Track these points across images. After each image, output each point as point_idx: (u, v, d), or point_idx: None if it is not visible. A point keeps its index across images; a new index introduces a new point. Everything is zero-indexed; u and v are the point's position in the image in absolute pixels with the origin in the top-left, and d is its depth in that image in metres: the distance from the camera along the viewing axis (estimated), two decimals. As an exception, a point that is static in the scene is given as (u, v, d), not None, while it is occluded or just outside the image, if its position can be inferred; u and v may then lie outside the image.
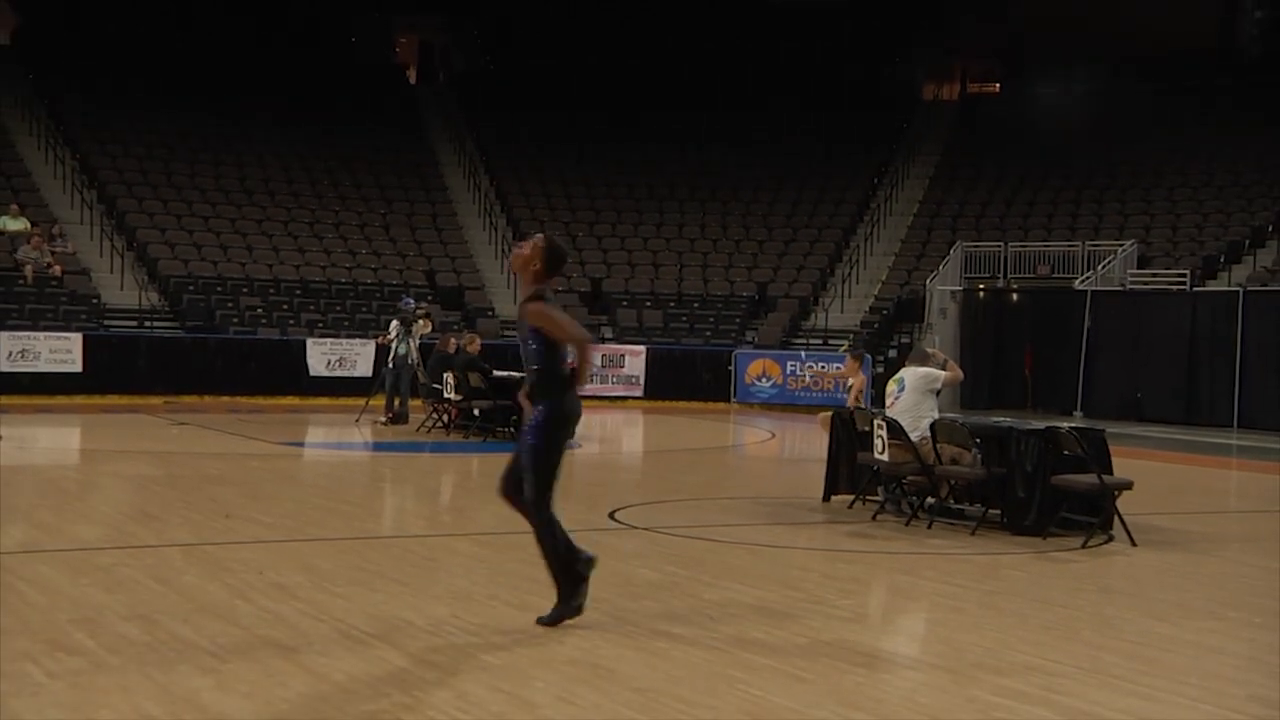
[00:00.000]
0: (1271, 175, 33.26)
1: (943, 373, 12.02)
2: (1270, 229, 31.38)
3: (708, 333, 31.73)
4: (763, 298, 33.37)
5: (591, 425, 22.02)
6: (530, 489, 7.27)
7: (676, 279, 33.88)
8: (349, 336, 27.49)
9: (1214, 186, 33.91)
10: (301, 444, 19.24)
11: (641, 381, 29.43)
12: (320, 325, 28.46)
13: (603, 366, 29.24)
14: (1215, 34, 41.52)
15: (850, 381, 13.84)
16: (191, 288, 29.01)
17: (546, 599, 7.89)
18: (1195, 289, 28.39)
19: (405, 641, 6.72)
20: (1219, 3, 41.94)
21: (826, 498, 12.70)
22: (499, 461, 17.01)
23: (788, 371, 28.73)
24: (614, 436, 22.56)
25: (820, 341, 31.09)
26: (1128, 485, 11.06)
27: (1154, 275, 29.62)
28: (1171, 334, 27.17)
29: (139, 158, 33.48)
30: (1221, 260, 30.61)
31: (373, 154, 35.94)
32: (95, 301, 27.57)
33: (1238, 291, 27.24)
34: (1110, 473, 11.18)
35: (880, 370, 25.75)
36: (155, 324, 27.82)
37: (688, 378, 29.64)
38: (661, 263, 34.45)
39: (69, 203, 31.02)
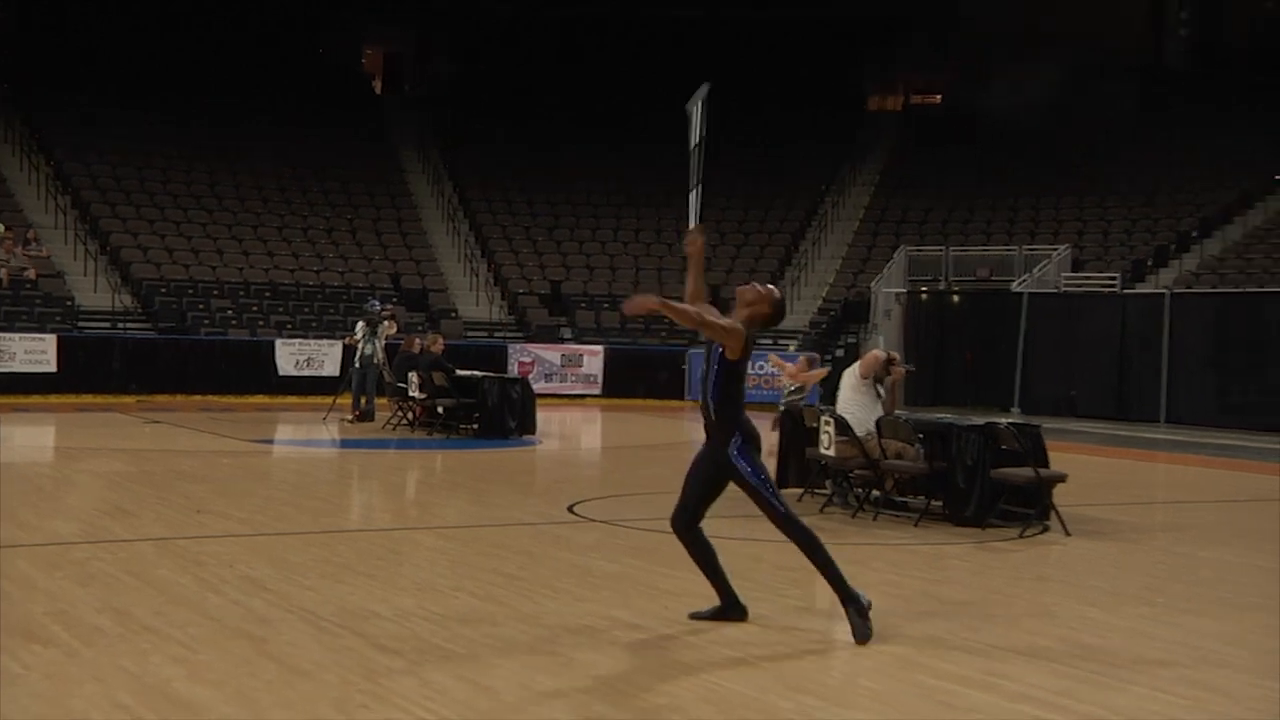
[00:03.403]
0: (1196, 184, 33.65)
1: (858, 366, 12.02)
2: (1195, 234, 31.73)
3: (663, 333, 31.75)
4: (716, 300, 33.18)
5: (551, 422, 22.01)
6: (775, 510, 6.95)
7: (633, 281, 33.85)
8: (317, 337, 27.35)
9: (1143, 195, 34.23)
10: (271, 441, 19.13)
11: (599, 380, 29.43)
12: (289, 326, 28.30)
13: (562, 366, 29.23)
14: (1144, 50, 41.91)
15: (787, 383, 13.82)
16: (163, 290, 28.78)
17: (509, 589, 7.88)
18: (1125, 291, 28.66)
19: (371, 631, 6.68)
20: (1148, 19, 42.34)
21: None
22: (462, 457, 17.08)
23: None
24: (573, 433, 22.54)
25: (771, 342, 31.14)
26: (1062, 478, 11.15)
27: (1086, 278, 29.87)
28: (1103, 334, 27.41)
29: (112, 164, 33.15)
30: (1150, 264, 30.93)
31: (340, 161, 35.74)
32: (69, 304, 27.30)
33: (1165, 294, 27.50)
34: (1046, 466, 11.27)
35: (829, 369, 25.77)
36: (128, 325, 27.58)
37: (644, 377, 29.67)
38: (618, 266, 34.46)
39: (44, 208, 30.70)
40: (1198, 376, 25.99)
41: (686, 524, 7.12)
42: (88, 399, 23.86)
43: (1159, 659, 6.71)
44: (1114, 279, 29.30)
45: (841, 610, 6.86)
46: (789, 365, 14.32)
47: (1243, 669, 6.56)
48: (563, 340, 30.65)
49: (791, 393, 13.56)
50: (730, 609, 7.14)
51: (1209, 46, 41.03)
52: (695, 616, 7.15)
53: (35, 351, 24.62)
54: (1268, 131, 34.94)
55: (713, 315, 6.97)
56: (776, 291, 7.31)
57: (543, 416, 20.60)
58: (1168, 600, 8.37)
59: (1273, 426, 24.18)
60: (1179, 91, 39.18)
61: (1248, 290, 27.00)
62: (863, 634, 6.74)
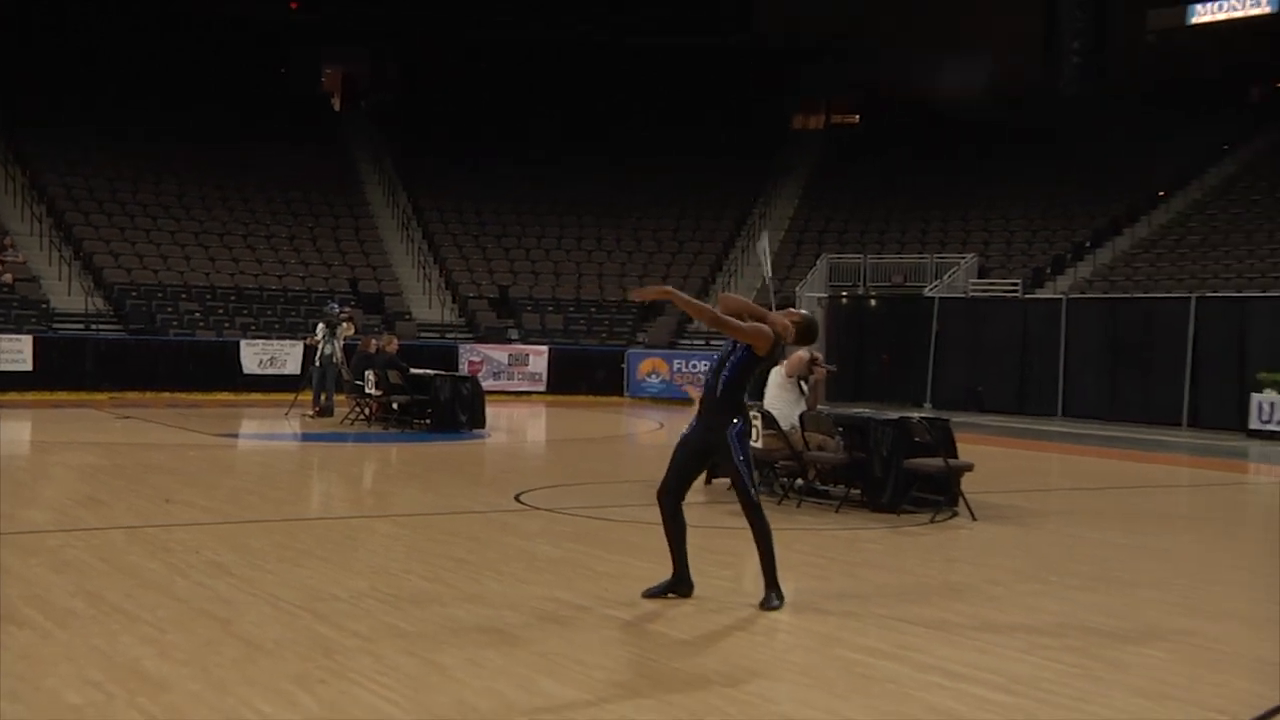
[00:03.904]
0: (1090, 199, 34.11)
1: (784, 366, 12.09)
2: (1088, 245, 32.17)
3: (603, 334, 31.75)
4: (652, 303, 33.43)
5: (499, 417, 21.94)
6: (749, 494, 7.08)
7: (576, 286, 33.86)
8: (279, 338, 27.13)
9: (1042, 207, 34.66)
10: (236, 435, 18.94)
11: (544, 378, 29.39)
12: (253, 328, 28.05)
13: (509, 365, 29.15)
14: (1042, 75, 42.43)
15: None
16: (134, 294, 28.42)
17: (458, 573, 7.85)
18: (1026, 296, 28.99)
19: (329, 612, 6.64)
20: (1044, 47, 42.87)
21: (708, 481, 12.73)
22: (415, 450, 16.98)
23: (674, 369, 28.88)
24: (520, 427, 22.48)
25: (703, 342, 31.23)
26: (969, 467, 11.27)
27: (991, 284, 30.19)
28: (1006, 336, 27.70)
29: (85, 176, 32.69)
30: (1048, 271, 31.31)
31: (301, 173, 35.44)
32: (45, 306, 26.92)
33: (1061, 299, 27.85)
34: (955, 457, 11.36)
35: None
36: (101, 327, 27.21)
37: (586, 375, 29.67)
38: (562, 272, 34.42)
39: (20, 216, 30.24)
40: (1091, 374, 26.34)
41: (675, 499, 7.20)
42: (62, 396, 23.52)
43: (1051, 631, 6.80)
44: (1016, 285, 29.64)
45: (763, 593, 7.04)
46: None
47: (1125, 638, 6.66)
48: (510, 341, 30.57)
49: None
50: (680, 583, 7.22)
51: (1099, 73, 41.62)
52: (648, 594, 7.19)
53: (12, 351, 24.27)
54: (1152, 152, 35.59)
55: (745, 315, 7.10)
56: (810, 316, 7.54)
57: (491, 412, 20.54)
58: (1061, 578, 8.47)
59: (1157, 419, 24.59)
60: (1073, 113, 39.70)
61: (1135, 295, 27.41)
62: (769, 605, 6.99)
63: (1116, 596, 7.91)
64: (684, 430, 7.34)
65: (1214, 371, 24.35)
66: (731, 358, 7.08)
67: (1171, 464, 18.43)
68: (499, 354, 29.30)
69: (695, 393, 13.81)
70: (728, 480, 12.37)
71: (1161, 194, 33.97)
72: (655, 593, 7.20)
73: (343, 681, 5.38)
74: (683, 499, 7.25)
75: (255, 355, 26.41)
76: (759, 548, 7.11)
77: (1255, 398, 22.67)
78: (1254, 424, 22.55)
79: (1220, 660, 6.28)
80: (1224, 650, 6.51)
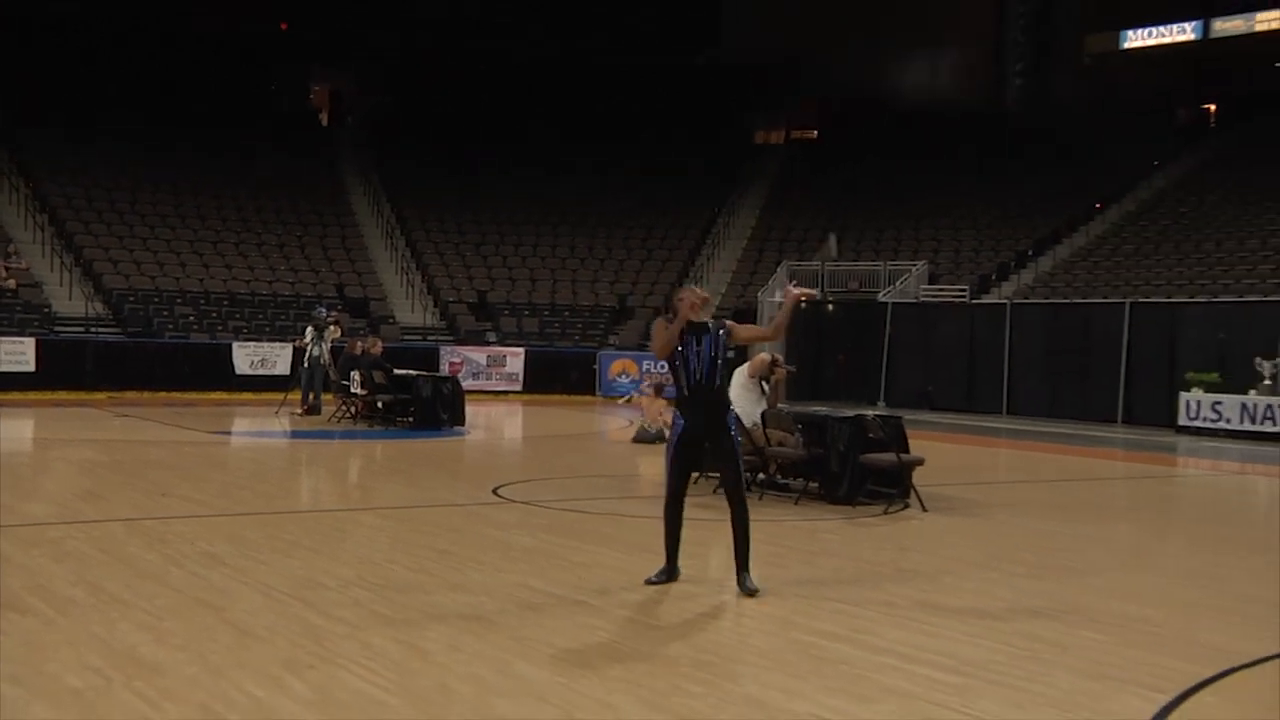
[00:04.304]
0: (1032, 211, 34.33)
1: (747, 367, 12.13)
2: (1031, 253, 32.36)
3: (577, 336, 31.71)
4: (623, 307, 33.43)
5: (478, 415, 21.88)
6: (742, 478, 7.31)
7: (551, 291, 33.79)
8: (270, 340, 26.97)
9: (988, 218, 34.85)
10: (229, 433, 18.80)
11: (521, 378, 29.32)
12: (245, 331, 27.88)
13: (487, 365, 29.07)
14: (988, 95, 42.74)
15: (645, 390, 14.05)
16: (132, 299, 28.19)
17: (440, 562, 7.83)
18: (973, 302, 29.12)
19: (317, 600, 6.60)
20: (990, 70, 43.17)
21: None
22: (399, 446, 16.93)
23: (644, 370, 28.83)
24: (497, 425, 22.43)
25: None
26: (920, 462, 11.31)
27: (941, 290, 30.32)
28: (955, 338, 27.81)
29: (86, 186, 32.41)
30: (994, 278, 31.46)
31: (291, 184, 35.24)
32: (47, 310, 26.68)
33: (1006, 304, 28.00)
34: (907, 452, 11.42)
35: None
36: (100, 330, 26.97)
37: (560, 375, 29.61)
38: (538, 277, 34.35)
39: (23, 225, 29.93)
40: (1033, 375, 26.48)
41: (682, 500, 7.38)
42: (63, 395, 23.31)
43: (999, 615, 6.83)
44: (964, 291, 29.78)
45: (741, 576, 7.15)
46: (643, 399, 14.63)
47: (1067, 622, 6.70)
48: (488, 343, 30.48)
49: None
50: (675, 572, 7.40)
51: (1040, 94, 41.96)
52: (649, 582, 7.29)
53: (15, 353, 24.06)
54: (1089, 168, 35.89)
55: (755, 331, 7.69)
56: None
57: (471, 410, 20.49)
58: (1007, 566, 8.51)
59: (1094, 417, 24.77)
60: (1016, 131, 40.00)
61: (1075, 301, 27.59)
62: (750, 588, 7.08)
63: (1058, 582, 7.96)
64: (675, 433, 7.29)
65: (1146, 372, 24.53)
66: (721, 357, 7.26)
67: (1108, 458, 18.56)
68: (478, 355, 29.21)
69: (648, 395, 13.92)
70: (695, 474, 12.44)
71: (1098, 206, 34.23)
72: (656, 580, 7.31)
73: (331, 666, 5.35)
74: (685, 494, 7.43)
75: (247, 357, 26.24)
76: (744, 532, 7.19)
77: (1184, 396, 22.87)
78: (1183, 421, 22.75)
79: (1154, 641, 6.34)
80: (1157, 632, 6.56)
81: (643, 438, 17.39)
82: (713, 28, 43.60)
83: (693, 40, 43.10)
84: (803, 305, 7.46)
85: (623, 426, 21.55)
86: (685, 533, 7.42)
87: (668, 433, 7.50)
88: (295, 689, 5.01)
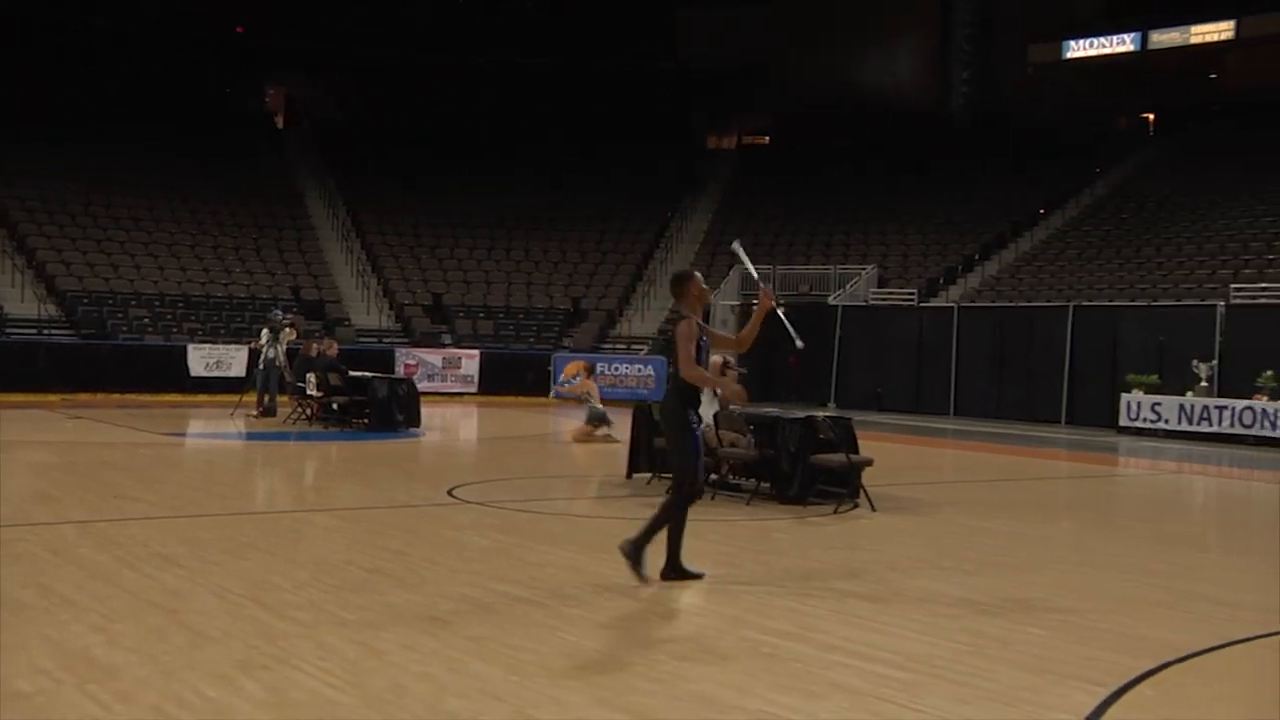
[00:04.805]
0: (978, 216, 34.67)
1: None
2: (977, 258, 32.67)
3: (531, 339, 31.64)
4: (577, 310, 33.41)
5: (433, 417, 21.77)
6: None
7: (505, 294, 33.71)
8: (225, 342, 26.71)
9: (936, 223, 35.15)
10: (183, 434, 18.58)
11: (476, 380, 29.20)
12: (200, 333, 27.59)
13: (443, 367, 28.93)
14: (936, 101, 43.08)
15: (579, 381, 14.14)
16: (85, 300, 27.81)
17: (395, 563, 7.78)
18: (921, 305, 29.35)
19: (272, 601, 6.54)
20: (936, 79, 43.53)
21: (629, 475, 12.77)
22: (354, 448, 16.81)
23: (598, 371, 28.75)
24: (452, 426, 22.32)
25: (625, 346, 31.27)
26: (869, 462, 11.38)
27: (890, 293, 30.54)
28: (903, 341, 28.01)
29: (39, 188, 31.94)
30: (941, 282, 31.73)
31: (246, 187, 34.93)
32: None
33: (953, 307, 28.24)
34: (856, 453, 11.48)
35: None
36: (53, 332, 26.60)
37: (515, 377, 29.51)
38: (493, 280, 34.25)
39: (-27, 226, 29.46)
40: (980, 376, 26.73)
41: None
42: (15, 398, 22.89)
43: (946, 612, 6.88)
44: (912, 294, 30.01)
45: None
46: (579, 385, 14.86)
47: (1011, 618, 6.77)
48: (443, 345, 30.35)
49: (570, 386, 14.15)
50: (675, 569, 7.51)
51: (985, 102, 42.38)
52: (664, 577, 7.40)
53: (-35, 355, 23.60)
54: (1032, 173, 36.31)
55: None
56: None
57: (426, 412, 20.37)
58: (954, 563, 8.58)
59: (1038, 418, 25.04)
60: (964, 139, 40.35)
61: (1019, 305, 27.87)
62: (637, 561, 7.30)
63: (1003, 579, 8.04)
64: (698, 430, 7.52)
65: (1089, 374, 24.84)
66: (704, 356, 7.65)
67: (1051, 458, 18.77)
68: (433, 357, 29.06)
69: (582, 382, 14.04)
70: (647, 475, 12.47)
71: (1042, 212, 34.64)
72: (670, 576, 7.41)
73: (285, 667, 5.30)
74: None
75: (202, 359, 25.95)
76: (664, 518, 7.32)
77: (1125, 398, 23.20)
78: (1124, 421, 23.07)
79: (1095, 636, 6.41)
80: (1098, 627, 6.64)
81: (594, 416, 17.66)
82: (667, 34, 43.66)
83: (647, 46, 43.14)
84: (779, 310, 7.56)
85: (577, 426, 21.54)
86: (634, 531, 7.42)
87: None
88: (249, 689, 4.96)
